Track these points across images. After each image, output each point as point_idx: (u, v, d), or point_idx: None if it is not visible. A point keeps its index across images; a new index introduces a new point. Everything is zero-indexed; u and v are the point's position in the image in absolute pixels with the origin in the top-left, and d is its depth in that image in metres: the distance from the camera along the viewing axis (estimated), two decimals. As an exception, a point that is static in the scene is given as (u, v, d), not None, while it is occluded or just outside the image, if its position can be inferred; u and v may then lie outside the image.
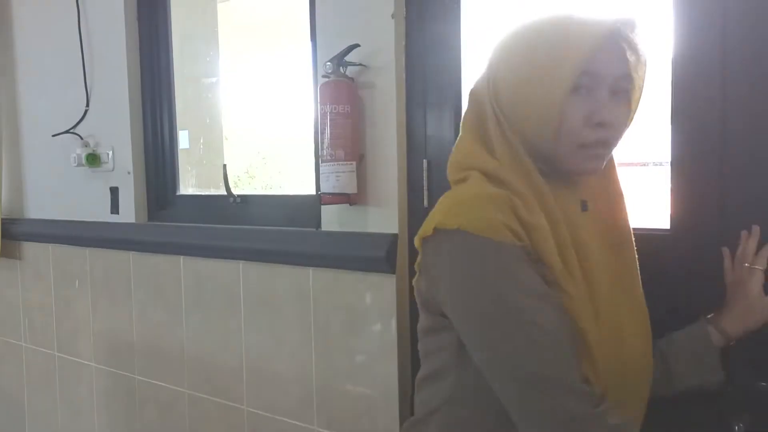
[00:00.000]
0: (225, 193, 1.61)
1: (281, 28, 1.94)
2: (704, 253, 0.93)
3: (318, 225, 1.37)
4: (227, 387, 1.57)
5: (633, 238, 0.84)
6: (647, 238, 0.99)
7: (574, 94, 0.73)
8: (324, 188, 1.25)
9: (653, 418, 0.95)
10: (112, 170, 1.82)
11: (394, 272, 1.23)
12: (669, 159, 0.98)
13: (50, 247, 2.03)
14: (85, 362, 1.96)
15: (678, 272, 0.96)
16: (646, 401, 0.83)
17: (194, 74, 1.87)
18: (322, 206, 1.34)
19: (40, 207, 2.09)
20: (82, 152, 1.85)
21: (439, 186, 1.19)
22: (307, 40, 1.40)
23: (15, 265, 2.15)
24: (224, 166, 1.61)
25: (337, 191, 1.23)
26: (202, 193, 1.81)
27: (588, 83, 0.73)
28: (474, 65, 1.23)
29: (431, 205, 1.12)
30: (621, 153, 1.24)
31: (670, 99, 0.97)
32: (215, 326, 1.59)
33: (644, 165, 1.22)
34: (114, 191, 1.82)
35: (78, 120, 1.88)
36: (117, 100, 1.79)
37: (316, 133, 1.35)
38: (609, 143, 0.76)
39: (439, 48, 1.22)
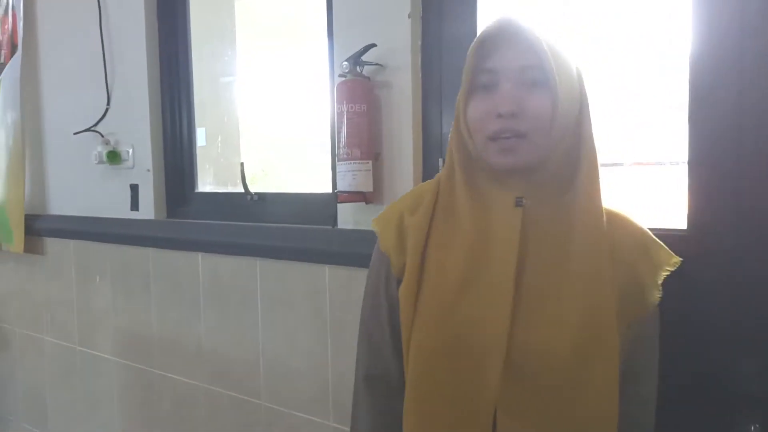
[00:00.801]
0: (242, 190, 1.63)
1: (298, 28, 1.96)
2: (722, 253, 0.93)
3: (334, 223, 1.38)
4: (244, 382, 1.59)
5: (593, 248, 0.77)
6: (663, 238, 0.98)
7: (480, 91, 0.80)
8: (340, 186, 1.26)
9: (667, 417, 0.95)
10: (132, 168, 1.85)
11: (409, 270, 1.23)
12: (685, 158, 0.98)
13: (72, 243, 2.06)
14: (105, 356, 1.99)
15: (695, 273, 0.95)
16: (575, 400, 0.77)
17: (212, 72, 1.89)
18: (339, 204, 1.35)
19: (62, 203, 2.13)
20: (103, 150, 1.88)
21: (455, 185, 1.19)
22: (324, 40, 1.41)
23: (37, 261, 2.20)
24: (242, 164, 1.63)
25: (353, 189, 1.24)
26: (220, 191, 1.84)
27: (489, 79, 0.79)
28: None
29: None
30: (636, 152, 1.24)
31: (688, 98, 0.97)
32: (232, 322, 1.61)
33: (660, 164, 1.22)
34: (134, 188, 1.85)
35: (99, 118, 1.91)
36: (137, 99, 1.82)
37: (332, 131, 1.36)
38: (519, 133, 0.76)
39: (454, 47, 1.23)
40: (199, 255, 1.67)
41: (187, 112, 1.81)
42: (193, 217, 1.78)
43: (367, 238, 1.31)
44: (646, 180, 1.22)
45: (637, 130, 1.20)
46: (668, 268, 0.81)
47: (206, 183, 1.85)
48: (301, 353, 1.46)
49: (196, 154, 1.82)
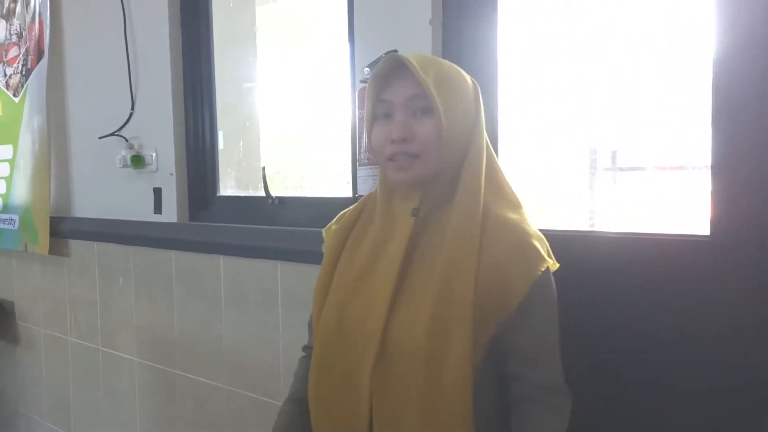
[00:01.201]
0: (263, 194, 1.65)
1: (319, 34, 1.98)
2: (745, 259, 0.93)
3: (354, 226, 1.39)
4: (264, 383, 1.61)
5: (460, 248, 0.86)
6: (686, 244, 0.98)
7: (381, 118, 0.91)
8: (361, 191, 1.27)
9: (694, 416, 0.94)
10: (156, 171, 1.89)
11: (429, 274, 1.24)
12: (706, 162, 0.98)
13: (96, 245, 2.10)
14: (128, 357, 2.02)
15: (718, 280, 0.95)
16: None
17: (233, 78, 1.92)
18: (359, 208, 1.36)
19: (86, 206, 2.17)
20: (127, 154, 1.92)
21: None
22: (344, 46, 1.43)
23: (62, 262, 2.24)
24: (263, 168, 1.65)
25: (374, 194, 1.25)
26: (242, 194, 1.86)
27: (386, 109, 0.91)
28: (510, 70, 1.23)
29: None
30: (658, 156, 1.23)
31: (711, 101, 0.97)
32: (253, 324, 1.63)
33: (681, 168, 1.21)
34: (157, 192, 1.88)
35: (123, 123, 1.95)
36: (161, 104, 1.85)
37: (353, 137, 1.37)
38: (411, 154, 0.88)
39: (475, 53, 1.23)
40: (221, 258, 1.70)
41: (210, 117, 1.84)
42: (215, 220, 1.80)
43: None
44: (668, 185, 1.22)
45: (660, 134, 1.20)
46: (541, 269, 0.87)
47: (228, 187, 1.88)
48: (321, 355, 1.47)
49: (218, 158, 1.85)
